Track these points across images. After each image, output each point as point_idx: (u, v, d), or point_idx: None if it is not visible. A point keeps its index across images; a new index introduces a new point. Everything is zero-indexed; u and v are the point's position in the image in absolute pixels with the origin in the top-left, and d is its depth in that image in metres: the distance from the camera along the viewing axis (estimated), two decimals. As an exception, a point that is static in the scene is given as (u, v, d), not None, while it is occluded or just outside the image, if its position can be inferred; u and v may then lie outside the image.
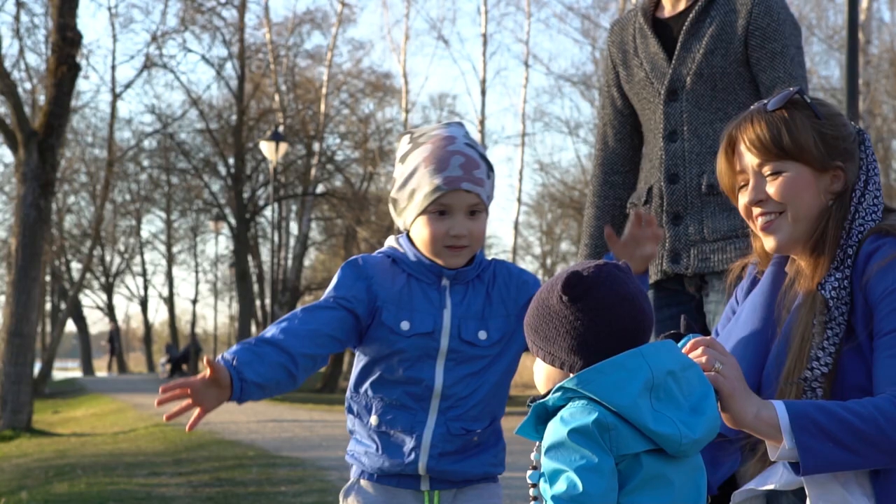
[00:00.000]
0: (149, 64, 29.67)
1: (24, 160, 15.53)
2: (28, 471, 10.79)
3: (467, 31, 75.94)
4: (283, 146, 24.33)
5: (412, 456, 2.57)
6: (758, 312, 2.61)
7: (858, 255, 2.42)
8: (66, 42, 15.33)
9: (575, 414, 2.04)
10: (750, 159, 2.50)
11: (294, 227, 33.21)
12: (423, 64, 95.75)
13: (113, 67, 31.87)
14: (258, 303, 33.81)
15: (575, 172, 34.79)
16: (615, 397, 2.05)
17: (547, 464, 2.04)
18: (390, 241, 2.70)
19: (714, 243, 3.56)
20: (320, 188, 31.63)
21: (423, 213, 2.59)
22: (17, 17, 23.25)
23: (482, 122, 28.51)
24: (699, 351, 2.35)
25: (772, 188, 2.48)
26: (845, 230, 2.45)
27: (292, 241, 33.18)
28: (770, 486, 2.40)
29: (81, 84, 50.07)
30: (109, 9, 31.26)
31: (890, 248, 2.39)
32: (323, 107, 30.08)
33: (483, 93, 28.75)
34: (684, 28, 3.64)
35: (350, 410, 2.66)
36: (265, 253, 32.66)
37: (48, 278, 38.24)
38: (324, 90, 30.17)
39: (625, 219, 3.88)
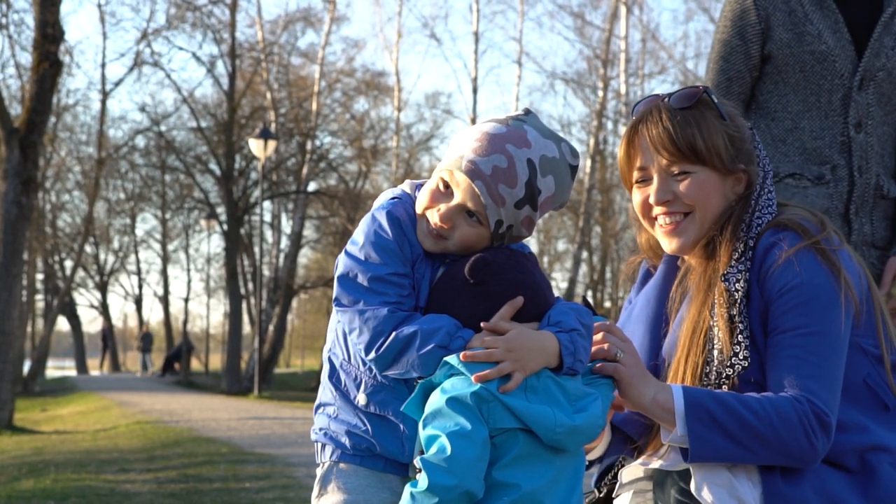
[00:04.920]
0: (139, 62, 29.64)
1: (6, 157, 15.51)
2: (1, 468, 10.75)
3: (459, 29, 75.87)
4: (272, 144, 24.29)
5: (405, 447, 2.27)
6: (651, 306, 2.61)
7: (756, 248, 2.41)
8: (47, 39, 15.30)
9: (456, 384, 2.07)
10: (656, 157, 2.46)
11: (287, 226, 33.21)
12: (416, 62, 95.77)
13: (103, 65, 31.82)
14: (252, 300, 33.81)
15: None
16: (492, 381, 2.07)
17: (424, 432, 2.06)
18: (407, 188, 2.39)
19: (878, 250, 3.50)
20: (313, 186, 31.61)
21: (438, 175, 2.27)
22: (5, 15, 23.24)
23: (473, 121, 28.49)
24: (600, 336, 2.34)
25: (681, 189, 2.45)
26: (745, 223, 2.44)
27: (285, 240, 33.17)
28: (656, 466, 2.40)
29: (74, 82, 50.09)
30: (99, 5, 31.24)
31: (789, 244, 2.38)
32: (315, 105, 30.04)
33: (475, 91, 28.75)
34: (881, 21, 3.56)
35: (333, 379, 2.33)
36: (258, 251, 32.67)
37: (40, 276, 38.27)
38: (316, 88, 30.15)
39: None
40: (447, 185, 2.24)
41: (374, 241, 2.23)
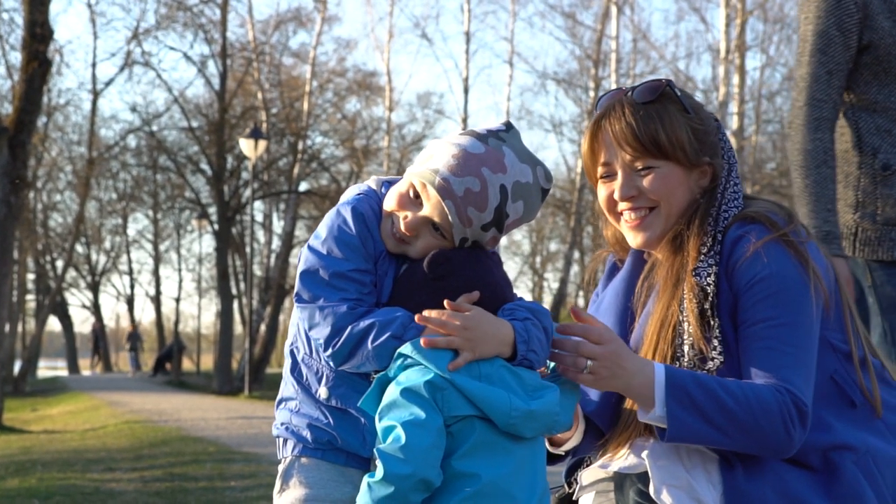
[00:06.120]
0: (129, 62, 29.60)
1: (-5, 156, 15.47)
2: (-12, 467, 10.74)
3: (450, 29, 76.04)
4: (263, 143, 24.26)
5: (366, 440, 2.26)
6: (619, 300, 2.60)
7: (724, 242, 2.41)
8: (36, 38, 15.27)
9: (410, 376, 2.09)
10: (620, 153, 2.45)
11: (279, 226, 33.18)
12: (407, 62, 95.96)
13: (93, 65, 31.77)
14: (244, 300, 33.76)
15: (560, 170, 34.83)
16: (445, 366, 2.09)
17: (380, 424, 2.08)
18: (373, 184, 2.37)
19: None
20: (305, 186, 31.57)
21: (409, 180, 2.26)
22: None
23: (465, 121, 28.49)
24: (573, 345, 2.28)
25: (645, 184, 2.44)
26: (713, 217, 2.43)
27: (277, 240, 33.13)
28: (615, 468, 2.39)
29: (65, 81, 49.98)
30: (89, 5, 31.20)
31: (756, 236, 2.37)
32: (306, 105, 30.01)
33: (466, 91, 28.72)
34: None
35: (295, 373, 2.32)
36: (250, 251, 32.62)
37: (32, 276, 38.21)
38: (307, 88, 30.13)
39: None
40: (417, 195, 2.23)
41: (337, 236, 2.23)
